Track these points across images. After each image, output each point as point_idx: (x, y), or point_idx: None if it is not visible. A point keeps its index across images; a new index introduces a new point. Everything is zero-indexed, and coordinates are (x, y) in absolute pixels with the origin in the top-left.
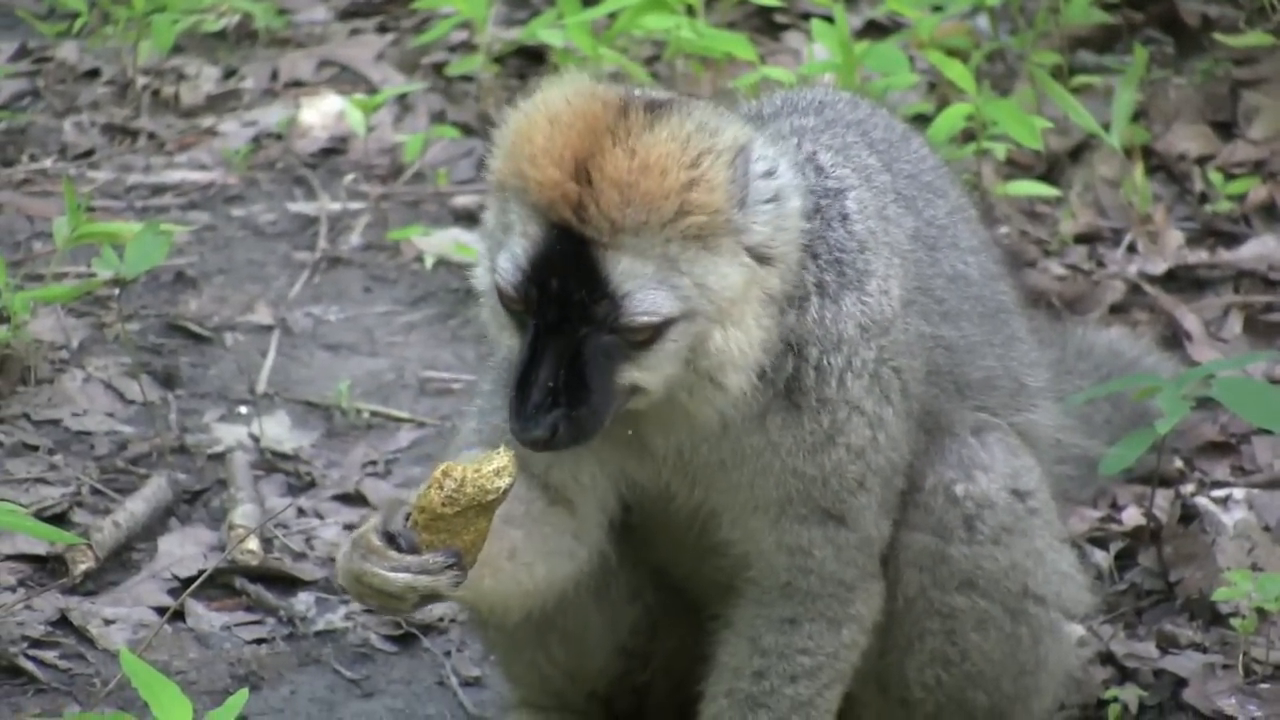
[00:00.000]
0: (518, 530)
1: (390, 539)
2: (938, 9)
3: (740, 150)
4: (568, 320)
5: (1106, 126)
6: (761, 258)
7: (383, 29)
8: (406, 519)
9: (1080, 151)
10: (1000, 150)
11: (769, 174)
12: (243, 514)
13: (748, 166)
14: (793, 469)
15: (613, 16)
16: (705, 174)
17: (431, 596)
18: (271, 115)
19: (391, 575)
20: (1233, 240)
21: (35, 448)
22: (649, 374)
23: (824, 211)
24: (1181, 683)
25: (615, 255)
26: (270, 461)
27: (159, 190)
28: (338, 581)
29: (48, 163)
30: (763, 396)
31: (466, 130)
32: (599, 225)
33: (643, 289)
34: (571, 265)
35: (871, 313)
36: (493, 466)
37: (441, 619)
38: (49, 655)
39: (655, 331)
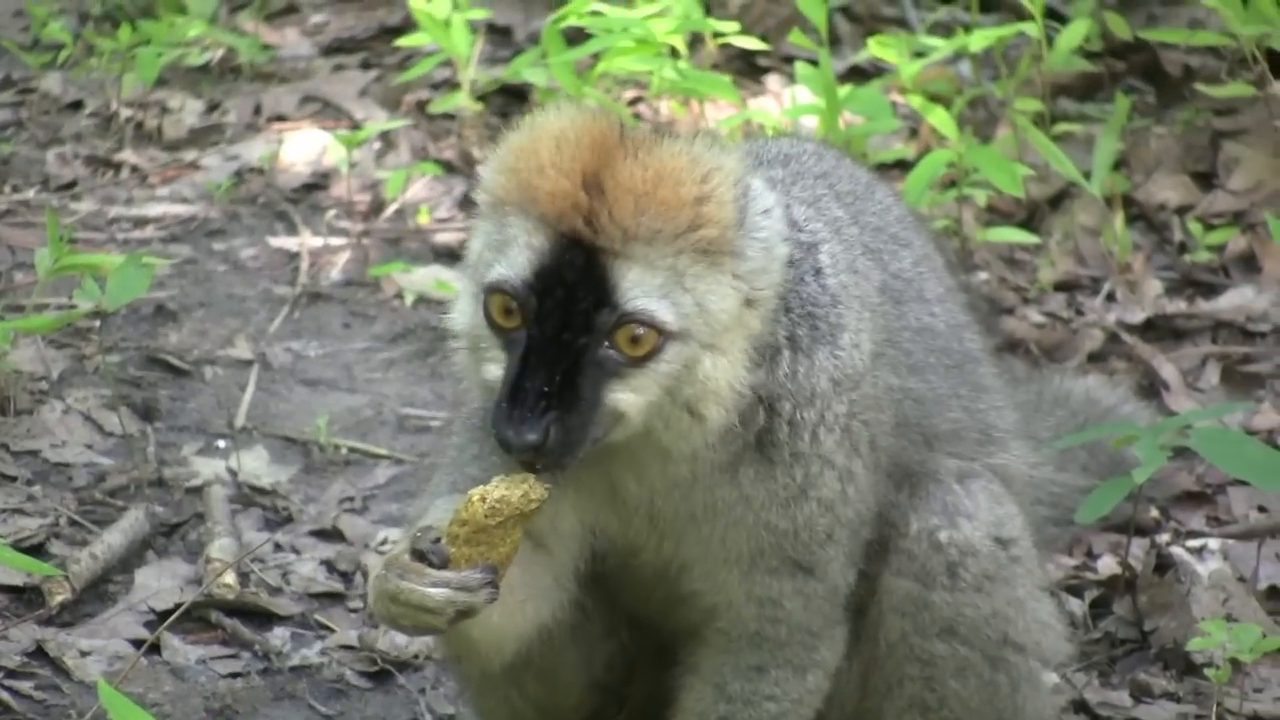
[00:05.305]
0: (515, 568)
1: (421, 558)
2: (920, 55)
3: (741, 177)
4: (568, 329)
5: (1087, 175)
6: (750, 293)
7: (366, 65)
8: (436, 540)
9: (1061, 199)
10: (981, 196)
11: (765, 212)
12: (220, 548)
13: (747, 195)
14: (765, 522)
15: (596, 56)
16: (715, 189)
17: (466, 613)
18: (254, 150)
19: (431, 591)
20: (1211, 291)
21: (13, 478)
22: (636, 396)
23: (798, 265)
24: None
25: (625, 264)
26: (248, 496)
27: (141, 223)
28: (370, 606)
29: (30, 194)
30: (734, 448)
31: (449, 168)
32: (611, 234)
33: (649, 301)
34: (579, 274)
35: (844, 367)
36: (523, 487)
37: (416, 656)
38: (25, 686)
39: (653, 349)
